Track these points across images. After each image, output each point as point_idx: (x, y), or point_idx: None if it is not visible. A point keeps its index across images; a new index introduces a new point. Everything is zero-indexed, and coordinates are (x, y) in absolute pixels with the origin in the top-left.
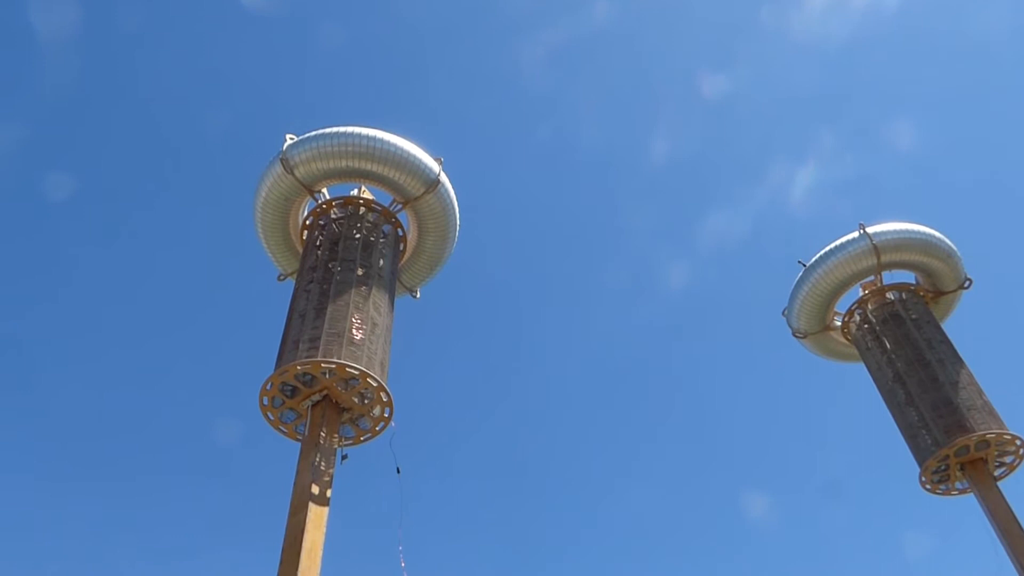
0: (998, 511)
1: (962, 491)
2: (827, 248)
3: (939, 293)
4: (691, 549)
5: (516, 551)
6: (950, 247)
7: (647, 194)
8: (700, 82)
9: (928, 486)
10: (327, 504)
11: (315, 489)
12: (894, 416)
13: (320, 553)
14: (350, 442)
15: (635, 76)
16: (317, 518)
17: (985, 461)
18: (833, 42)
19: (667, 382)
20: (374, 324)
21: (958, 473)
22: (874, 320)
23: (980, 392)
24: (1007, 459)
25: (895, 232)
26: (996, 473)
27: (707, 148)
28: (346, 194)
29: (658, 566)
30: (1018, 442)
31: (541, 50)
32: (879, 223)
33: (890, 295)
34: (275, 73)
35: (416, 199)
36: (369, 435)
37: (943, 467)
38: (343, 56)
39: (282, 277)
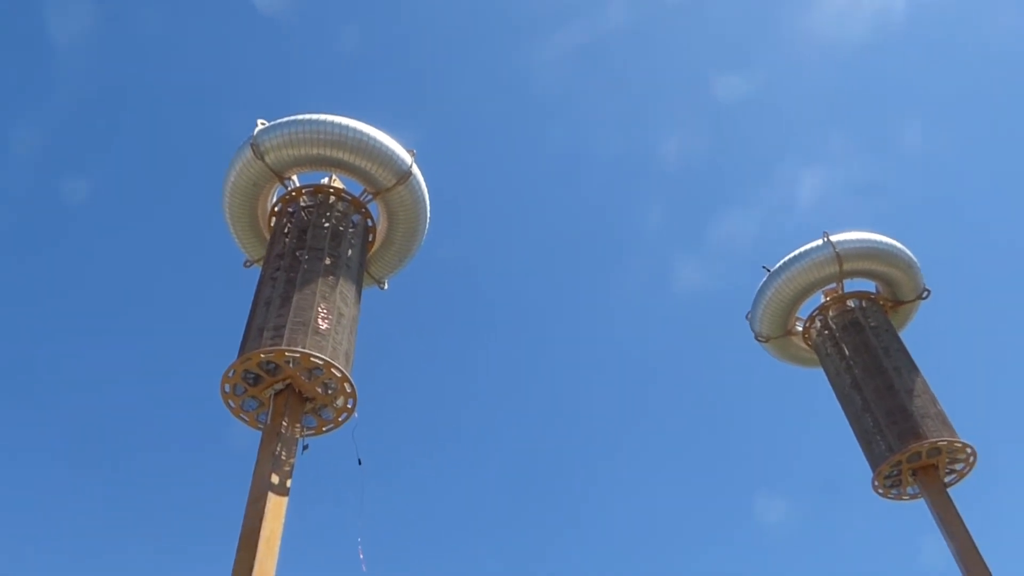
0: (947, 517)
1: (913, 496)
2: (791, 255)
3: (898, 303)
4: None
5: (499, 550)
6: (910, 258)
7: (658, 195)
8: (713, 84)
9: (880, 490)
10: (287, 494)
11: (275, 479)
12: (850, 421)
13: (278, 543)
14: (312, 432)
15: (648, 78)
16: (276, 508)
17: (936, 468)
18: (846, 45)
19: (658, 377)
20: (340, 314)
21: (910, 479)
22: (834, 327)
23: (934, 400)
24: (958, 467)
25: (858, 241)
26: (946, 480)
27: (719, 150)
28: (316, 182)
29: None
30: (968, 450)
31: (554, 52)
32: (848, 231)
33: (851, 303)
34: (285, 74)
35: (387, 190)
36: (331, 426)
37: (895, 472)
38: (355, 59)
39: (248, 263)
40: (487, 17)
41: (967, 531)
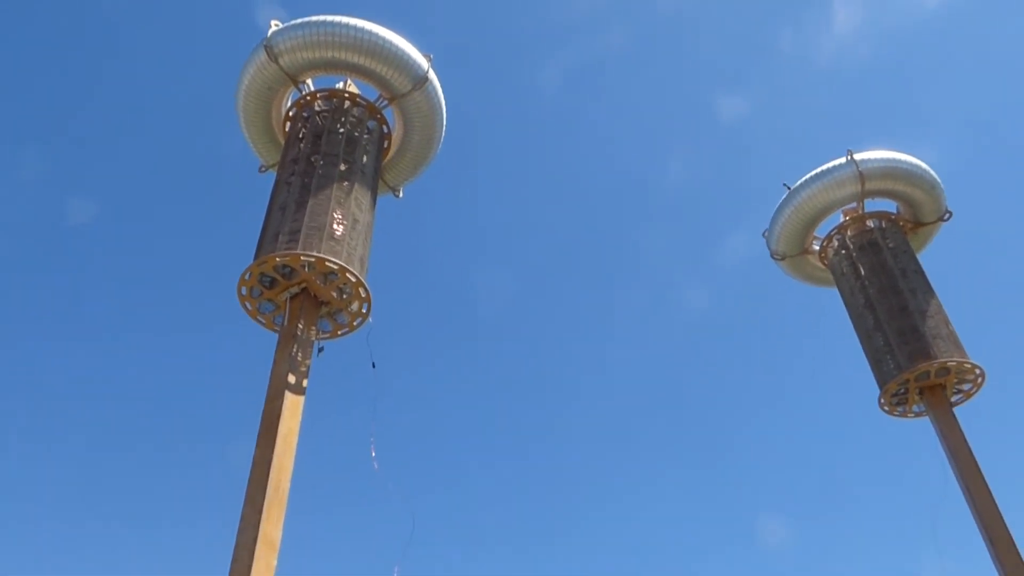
0: (951, 435)
1: (918, 414)
2: (813, 172)
3: (918, 224)
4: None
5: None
6: (934, 178)
7: (662, 216)
8: (716, 105)
9: (886, 408)
10: (303, 393)
11: (292, 378)
12: (861, 341)
13: (295, 440)
14: (327, 336)
15: (650, 98)
16: (293, 406)
17: (944, 387)
18: (853, 65)
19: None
20: (355, 220)
21: (916, 397)
22: (852, 246)
23: (947, 322)
24: (965, 387)
25: (882, 160)
26: (953, 399)
27: (723, 171)
28: (331, 86)
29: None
30: (977, 371)
31: (556, 72)
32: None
33: (870, 223)
34: None
35: (403, 96)
36: (346, 330)
37: (902, 390)
38: None
39: (263, 168)
40: (487, 36)
41: (969, 449)
